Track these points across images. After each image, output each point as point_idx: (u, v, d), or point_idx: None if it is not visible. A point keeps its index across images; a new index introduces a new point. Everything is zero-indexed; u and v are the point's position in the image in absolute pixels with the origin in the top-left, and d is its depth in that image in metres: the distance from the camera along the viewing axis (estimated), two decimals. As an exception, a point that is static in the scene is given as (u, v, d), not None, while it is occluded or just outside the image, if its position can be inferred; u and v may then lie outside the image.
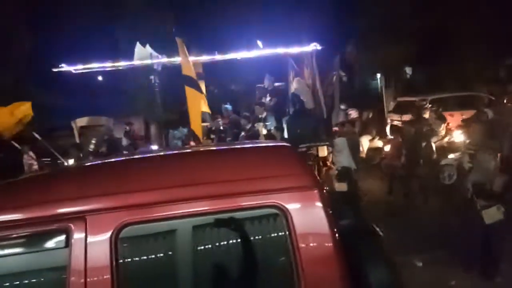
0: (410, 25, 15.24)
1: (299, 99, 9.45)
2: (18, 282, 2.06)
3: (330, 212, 2.12)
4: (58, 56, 11.06)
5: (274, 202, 2.05)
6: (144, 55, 9.91)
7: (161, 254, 2.09)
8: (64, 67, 10.11)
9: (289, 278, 2.03)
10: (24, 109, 8.29)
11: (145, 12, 14.19)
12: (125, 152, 9.91)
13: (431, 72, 16.73)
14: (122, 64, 10.16)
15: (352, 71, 19.50)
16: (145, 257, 2.07)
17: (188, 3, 15.96)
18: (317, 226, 2.06)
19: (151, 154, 3.01)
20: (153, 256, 2.08)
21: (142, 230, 2.03)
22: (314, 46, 8.87)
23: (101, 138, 10.35)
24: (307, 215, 2.06)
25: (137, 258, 2.06)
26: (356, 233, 2.33)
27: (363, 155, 9.07)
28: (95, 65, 10.36)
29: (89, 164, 3.07)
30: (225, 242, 2.06)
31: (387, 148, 9.05)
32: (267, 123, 10.61)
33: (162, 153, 3.13)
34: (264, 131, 9.68)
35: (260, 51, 9.79)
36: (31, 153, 8.63)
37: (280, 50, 9.53)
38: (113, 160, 2.76)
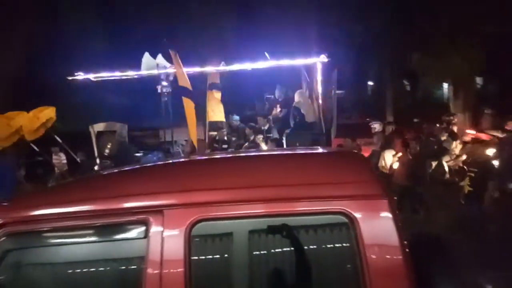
0: (482, 30, 13.55)
1: (299, 112, 9.48)
2: (100, 267, 2.19)
3: (400, 223, 2.02)
4: (75, 64, 11.61)
5: (341, 209, 1.98)
6: (151, 65, 10.21)
7: (229, 253, 2.11)
8: (81, 75, 10.64)
9: None
10: (47, 113, 8.71)
11: (157, 23, 14.64)
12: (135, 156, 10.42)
13: (504, 82, 15.48)
14: (130, 73, 10.40)
15: (414, 80, 18.92)
16: (214, 254, 2.12)
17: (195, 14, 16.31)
18: (386, 237, 1.96)
19: (224, 156, 3.12)
20: (221, 253, 2.13)
21: (214, 227, 2.08)
22: (322, 58, 8.83)
23: (115, 143, 10.80)
24: (376, 225, 1.98)
25: (208, 255, 2.12)
26: (425, 246, 2.23)
27: (386, 170, 8.97)
28: (105, 74, 10.88)
29: (166, 162, 3.18)
30: (290, 247, 2.02)
31: (396, 165, 8.64)
32: (269, 135, 10.83)
33: (233, 155, 3.22)
34: (263, 144, 9.64)
35: (268, 62, 9.95)
36: (61, 154, 9.09)
37: (285, 62, 9.47)
38: (188, 159, 2.90)
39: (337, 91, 9.33)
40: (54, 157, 9.07)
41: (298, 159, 2.57)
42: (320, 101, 8.89)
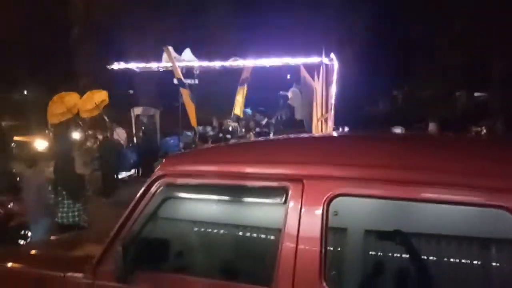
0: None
1: (291, 109, 9.78)
2: (238, 227, 2.28)
3: None
4: (117, 55, 12.06)
5: (502, 204, 1.65)
6: (168, 58, 10.63)
7: (366, 233, 2.00)
8: (122, 65, 11.10)
9: None
10: (101, 95, 9.22)
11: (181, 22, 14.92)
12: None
13: None
14: (153, 65, 11.09)
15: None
16: (350, 232, 2.02)
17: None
18: None
19: (371, 134, 2.83)
20: (357, 232, 2.01)
21: (352, 204, 1.96)
22: (326, 58, 8.87)
23: (149, 125, 11.32)
24: None
25: (342, 231, 2.02)
26: None
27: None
28: (141, 65, 11.31)
29: (308, 135, 3.19)
30: (445, 237, 1.86)
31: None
32: (265, 130, 10.93)
33: (381, 134, 2.95)
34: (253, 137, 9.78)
35: (271, 60, 10.06)
36: (121, 129, 9.61)
37: (287, 60, 9.68)
38: (334, 133, 2.85)
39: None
40: (114, 132, 9.65)
41: (458, 144, 2.28)
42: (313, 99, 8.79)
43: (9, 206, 4.97)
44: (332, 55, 8.90)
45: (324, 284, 1.84)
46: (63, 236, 3.97)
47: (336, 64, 8.92)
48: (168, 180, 2.29)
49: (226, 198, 2.28)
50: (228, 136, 10.31)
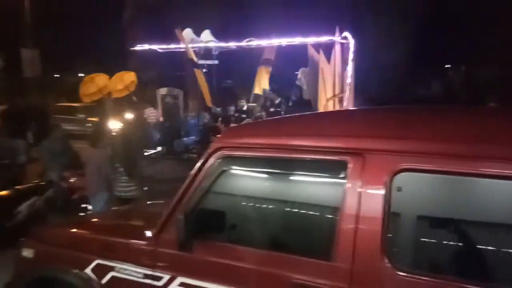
0: None
1: (300, 90, 9.54)
2: (296, 200, 2.24)
3: None
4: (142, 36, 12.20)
5: None
6: (187, 40, 10.82)
7: (433, 211, 1.87)
8: (146, 46, 11.24)
9: None
10: (129, 76, 9.46)
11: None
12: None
13: None
14: (172, 46, 11.31)
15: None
16: (416, 210, 1.87)
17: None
18: None
19: (434, 107, 2.62)
20: (428, 207, 1.89)
21: (418, 180, 1.84)
22: (339, 37, 8.65)
23: (172, 105, 11.53)
24: None
25: (407, 209, 1.88)
26: None
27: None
28: (163, 46, 11.46)
29: (369, 108, 3.06)
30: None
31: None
32: (278, 109, 10.96)
33: (444, 108, 2.74)
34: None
35: (281, 39, 9.92)
36: (152, 108, 9.85)
37: (298, 40, 9.51)
38: (393, 107, 2.66)
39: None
40: (145, 111, 9.93)
41: None
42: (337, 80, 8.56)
43: (71, 180, 5.30)
44: (347, 34, 8.67)
45: (386, 260, 1.80)
46: (123, 207, 4.18)
47: (352, 42, 8.71)
48: (226, 152, 2.32)
49: (283, 171, 2.26)
50: (244, 115, 10.35)
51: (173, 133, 9.92)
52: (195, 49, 11.08)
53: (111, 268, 2.51)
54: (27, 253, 2.79)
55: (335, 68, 8.62)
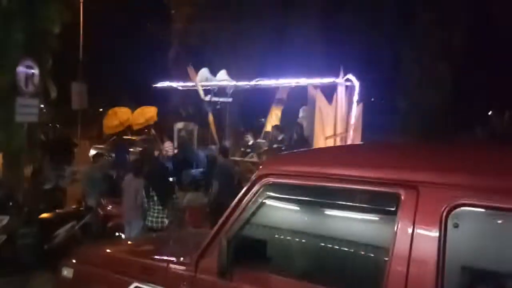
0: None
1: (301, 128, 9.37)
2: (343, 233, 2.13)
3: None
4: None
5: None
6: (203, 79, 11.21)
7: (496, 251, 1.66)
8: (167, 83, 11.69)
9: None
10: (150, 111, 9.81)
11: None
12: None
13: None
14: (189, 84, 11.77)
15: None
16: (475, 247, 1.70)
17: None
18: None
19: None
20: (486, 246, 1.69)
21: (476, 216, 1.69)
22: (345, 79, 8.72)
23: (186, 139, 11.77)
24: None
25: (466, 246, 1.71)
26: None
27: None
28: (181, 84, 11.90)
29: (420, 142, 3.07)
30: None
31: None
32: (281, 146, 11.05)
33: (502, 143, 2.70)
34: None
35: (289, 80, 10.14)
36: (169, 142, 10.09)
37: (303, 81, 9.64)
38: (449, 141, 2.64)
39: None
40: (162, 145, 10.14)
41: None
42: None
43: (108, 208, 5.36)
44: (351, 76, 8.79)
45: None
46: (160, 233, 4.18)
47: (357, 85, 8.83)
48: (270, 179, 2.27)
49: (329, 201, 2.16)
50: (248, 150, 10.38)
51: (184, 165, 10.02)
52: (208, 87, 11.42)
53: (149, 292, 2.45)
54: (67, 272, 2.77)
55: (336, 109, 8.66)
